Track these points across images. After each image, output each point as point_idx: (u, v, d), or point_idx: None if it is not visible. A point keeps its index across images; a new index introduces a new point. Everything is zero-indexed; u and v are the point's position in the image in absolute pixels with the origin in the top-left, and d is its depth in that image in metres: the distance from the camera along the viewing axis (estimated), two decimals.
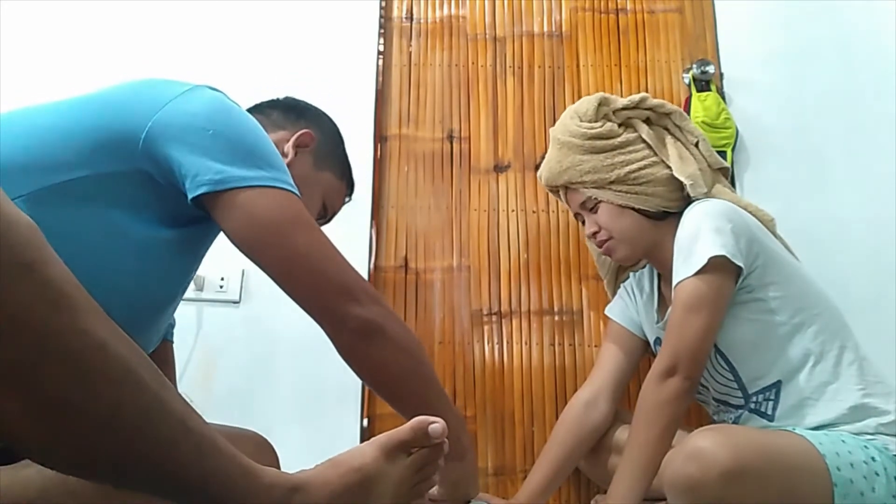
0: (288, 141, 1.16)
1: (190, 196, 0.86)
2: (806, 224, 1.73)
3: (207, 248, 1.04)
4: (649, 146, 1.40)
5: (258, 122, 0.96)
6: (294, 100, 1.28)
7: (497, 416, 1.66)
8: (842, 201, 1.77)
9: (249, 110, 1.21)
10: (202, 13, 1.93)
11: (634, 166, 1.37)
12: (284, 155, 1.14)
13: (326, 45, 1.91)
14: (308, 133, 1.18)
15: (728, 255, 1.18)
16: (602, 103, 1.41)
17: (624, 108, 1.41)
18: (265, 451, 1.16)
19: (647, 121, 1.44)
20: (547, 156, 1.49)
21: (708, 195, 1.36)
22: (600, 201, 1.39)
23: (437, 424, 0.78)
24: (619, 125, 1.41)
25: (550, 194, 1.80)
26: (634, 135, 1.40)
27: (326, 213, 1.26)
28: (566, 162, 1.41)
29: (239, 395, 1.63)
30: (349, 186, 1.30)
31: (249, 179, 0.87)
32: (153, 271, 0.90)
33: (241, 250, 0.91)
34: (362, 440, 1.62)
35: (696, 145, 1.43)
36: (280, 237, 0.88)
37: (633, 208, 1.37)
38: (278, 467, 1.16)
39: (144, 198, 0.88)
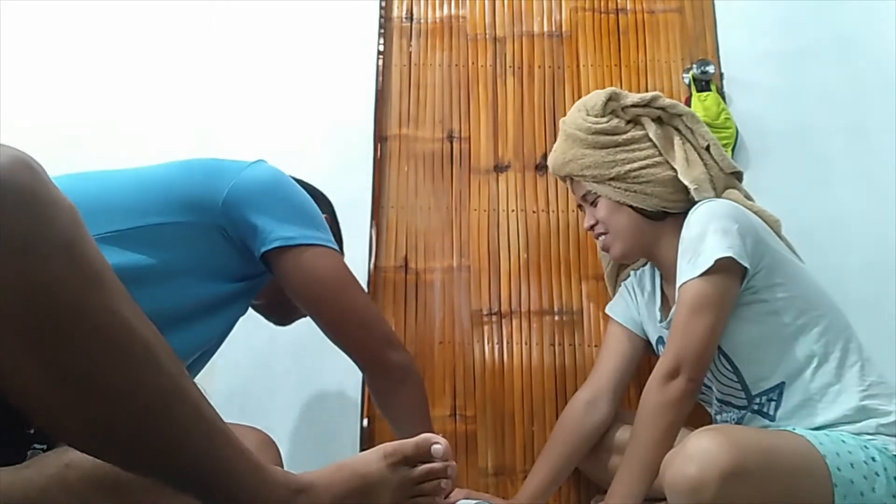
0: None
1: (263, 249, 1.04)
2: (806, 224, 1.72)
3: (241, 311, 1.17)
4: (655, 146, 1.38)
5: None
6: (302, 182, 1.33)
7: (497, 416, 1.66)
8: (842, 201, 1.77)
9: None
10: (202, 13, 1.93)
11: (636, 164, 1.36)
12: None
13: (326, 45, 1.91)
14: (328, 217, 1.26)
15: (735, 257, 1.18)
16: (611, 98, 1.40)
17: (634, 105, 1.40)
18: (268, 449, 1.18)
19: (658, 120, 1.42)
20: (555, 145, 1.50)
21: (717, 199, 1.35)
22: (599, 196, 1.40)
23: (439, 445, 0.83)
24: (628, 122, 1.40)
25: (550, 191, 1.82)
26: (641, 132, 1.39)
27: None
28: (569, 154, 1.42)
29: (239, 395, 1.63)
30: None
31: (313, 238, 1.06)
32: (199, 317, 1.03)
33: (298, 300, 1.10)
34: (362, 440, 1.62)
35: (707, 149, 1.41)
36: (337, 293, 1.08)
37: (631, 206, 1.37)
38: (281, 465, 1.17)
39: (212, 251, 1.04)
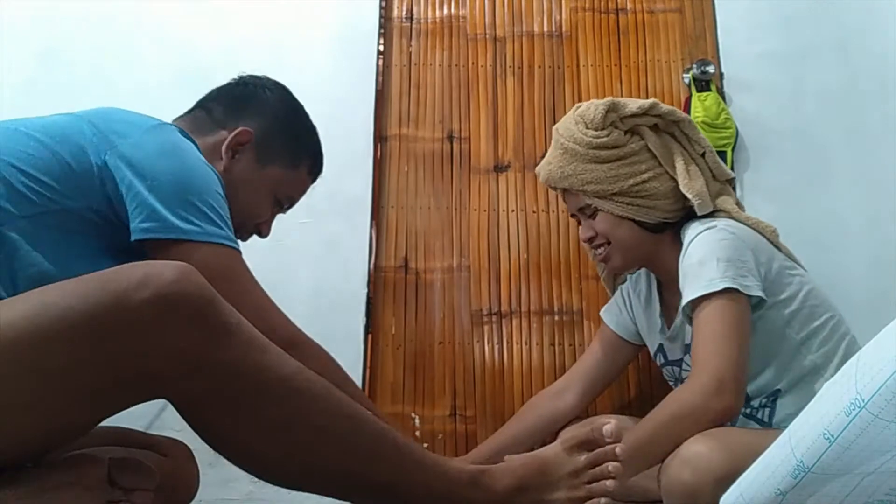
0: (224, 142, 1.12)
1: (133, 237, 0.90)
2: (806, 224, 1.73)
3: None
4: (655, 157, 1.35)
5: (198, 146, 1.03)
6: (242, 86, 1.21)
7: (497, 416, 1.66)
8: (842, 201, 1.77)
9: (195, 106, 1.19)
10: (201, 13, 1.93)
11: (639, 178, 1.32)
12: (220, 158, 1.11)
13: (326, 45, 1.91)
14: (245, 131, 1.13)
15: (741, 289, 1.14)
16: (610, 109, 1.34)
17: (632, 115, 1.35)
18: (189, 463, 1.11)
19: (654, 127, 1.38)
20: (548, 156, 1.43)
21: (713, 211, 1.32)
22: (599, 209, 1.35)
23: (609, 425, 0.88)
24: (626, 132, 1.35)
25: (550, 192, 1.81)
26: (641, 144, 1.35)
27: (283, 206, 1.22)
28: (568, 169, 1.35)
29: None
30: (309, 170, 1.24)
31: (189, 233, 0.90)
32: None
33: None
34: None
35: (703, 156, 1.39)
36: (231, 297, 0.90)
37: (633, 219, 1.34)
38: (197, 476, 1.12)
39: (94, 226, 0.92)
